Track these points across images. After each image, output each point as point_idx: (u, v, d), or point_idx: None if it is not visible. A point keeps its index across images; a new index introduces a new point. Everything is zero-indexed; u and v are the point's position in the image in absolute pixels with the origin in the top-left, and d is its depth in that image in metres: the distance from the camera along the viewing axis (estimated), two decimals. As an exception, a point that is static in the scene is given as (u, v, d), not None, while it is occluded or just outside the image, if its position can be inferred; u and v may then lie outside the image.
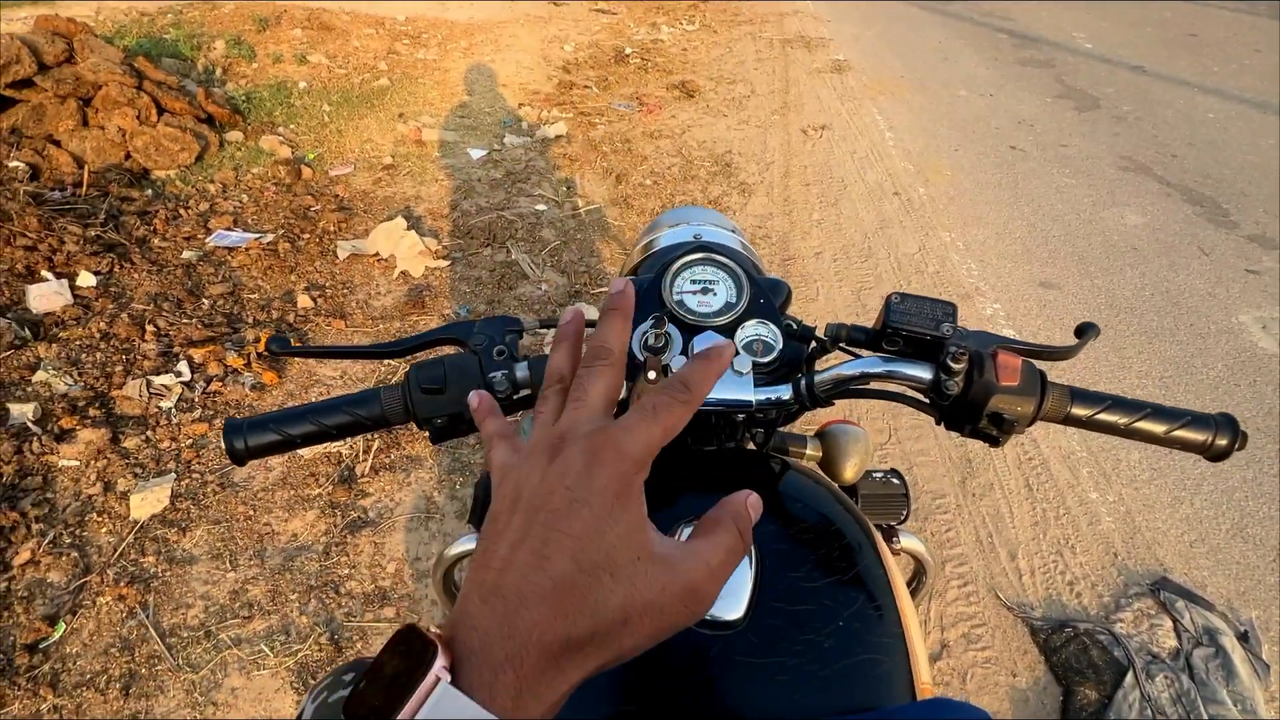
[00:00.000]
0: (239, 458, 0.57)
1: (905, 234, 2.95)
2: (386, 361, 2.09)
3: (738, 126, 3.88)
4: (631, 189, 3.19)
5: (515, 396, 0.59)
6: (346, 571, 1.57)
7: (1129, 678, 1.36)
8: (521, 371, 0.59)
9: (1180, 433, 0.50)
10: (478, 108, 3.94)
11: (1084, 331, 0.55)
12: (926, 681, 0.48)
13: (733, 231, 0.84)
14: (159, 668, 1.37)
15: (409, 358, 0.66)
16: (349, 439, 1.79)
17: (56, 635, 1.41)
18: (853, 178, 3.38)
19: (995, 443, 0.52)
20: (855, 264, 2.74)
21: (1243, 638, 1.47)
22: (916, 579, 0.87)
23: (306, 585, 1.54)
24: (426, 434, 0.63)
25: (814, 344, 0.63)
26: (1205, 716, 1.30)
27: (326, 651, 1.41)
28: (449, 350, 0.63)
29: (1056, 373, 1.40)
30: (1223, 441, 0.50)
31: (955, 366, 0.51)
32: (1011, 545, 1.69)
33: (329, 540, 1.63)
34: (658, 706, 0.43)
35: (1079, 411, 0.52)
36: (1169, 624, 1.49)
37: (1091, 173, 3.49)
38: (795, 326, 0.61)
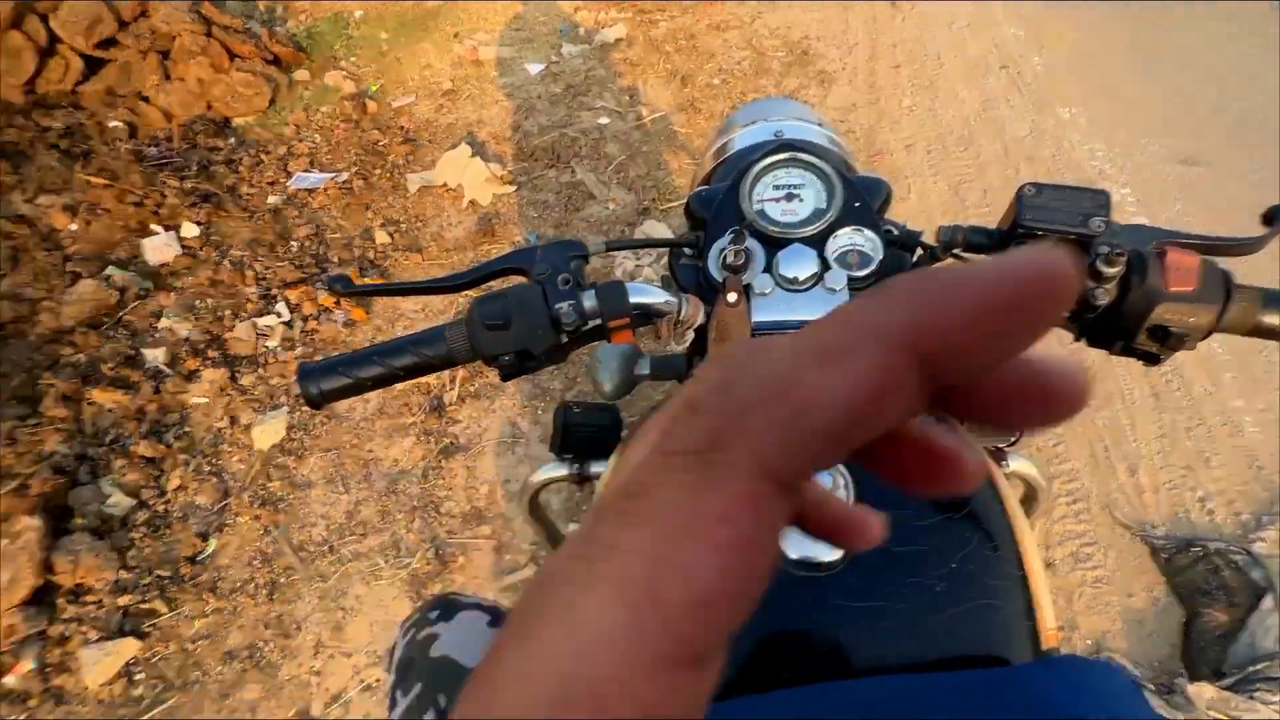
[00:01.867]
0: (315, 402, 0.58)
1: (1014, 114, 2.58)
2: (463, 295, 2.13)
3: (814, 6, 3.47)
4: (698, 91, 2.96)
5: (584, 328, 0.55)
6: (444, 493, 1.68)
7: (1267, 601, 1.24)
8: (589, 300, 0.54)
9: None
10: (532, 17, 3.74)
11: (1275, 217, 0.43)
12: (1051, 627, 0.42)
13: (819, 125, 0.73)
14: (294, 577, 1.55)
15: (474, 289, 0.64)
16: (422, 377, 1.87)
17: (210, 549, 1.62)
18: (951, 53, 2.97)
19: (1154, 361, 0.43)
20: (953, 154, 2.45)
21: None
22: (1026, 504, 0.80)
23: (410, 506, 1.66)
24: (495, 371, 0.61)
25: (921, 252, 0.54)
26: (1359, 642, 1.18)
27: (433, 565, 1.54)
28: (515, 279, 0.60)
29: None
30: None
31: (1109, 271, 0.42)
32: (1132, 460, 1.54)
33: (426, 465, 1.74)
34: (746, 654, 0.41)
35: (1272, 320, 0.41)
36: (1321, 542, 1.33)
37: (1263, 17, 2.87)
38: (897, 232, 0.53)
